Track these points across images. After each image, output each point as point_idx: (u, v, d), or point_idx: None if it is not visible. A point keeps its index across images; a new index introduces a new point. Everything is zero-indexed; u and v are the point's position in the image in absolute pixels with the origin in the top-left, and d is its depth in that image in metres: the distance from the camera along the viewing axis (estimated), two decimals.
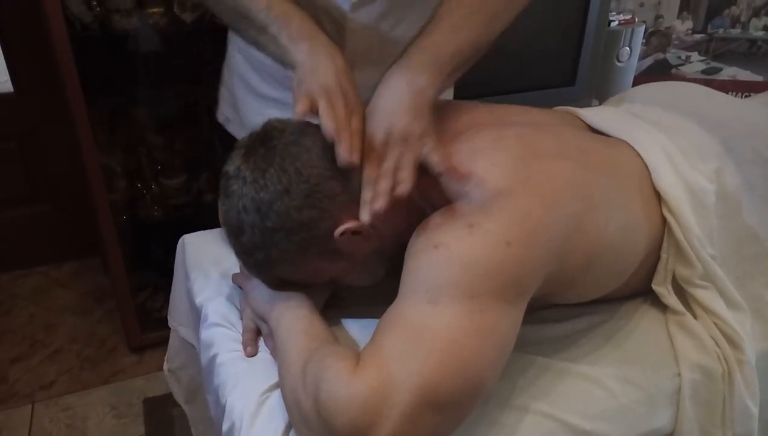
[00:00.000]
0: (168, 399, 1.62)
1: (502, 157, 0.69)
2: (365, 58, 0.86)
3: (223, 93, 1.12)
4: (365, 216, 0.65)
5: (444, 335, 0.58)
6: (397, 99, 0.69)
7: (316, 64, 0.70)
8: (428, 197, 0.71)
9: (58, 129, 1.99)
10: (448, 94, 1.05)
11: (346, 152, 0.64)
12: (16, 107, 1.98)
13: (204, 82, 1.87)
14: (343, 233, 0.67)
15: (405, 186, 0.64)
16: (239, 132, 1.08)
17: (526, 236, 0.62)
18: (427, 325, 0.58)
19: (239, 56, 1.00)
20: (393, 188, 0.65)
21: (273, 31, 0.74)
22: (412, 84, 0.70)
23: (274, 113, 0.95)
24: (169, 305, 1.08)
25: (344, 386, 0.56)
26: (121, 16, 1.48)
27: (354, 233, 0.68)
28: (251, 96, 1.00)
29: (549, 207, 0.65)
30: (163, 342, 1.72)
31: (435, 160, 0.67)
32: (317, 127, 0.69)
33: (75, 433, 1.54)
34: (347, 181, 0.67)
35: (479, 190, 0.66)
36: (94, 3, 1.48)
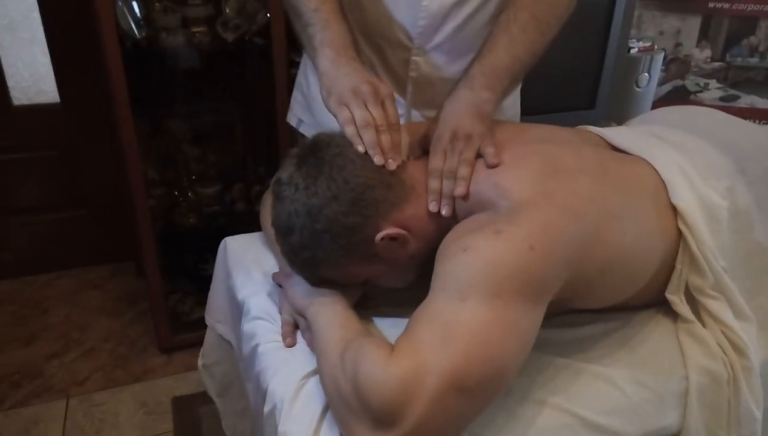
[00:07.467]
0: (195, 398, 1.68)
1: (526, 173, 0.76)
2: (430, 83, 0.96)
3: (297, 96, 1.19)
4: (433, 207, 0.78)
5: (472, 328, 0.64)
6: (463, 107, 0.83)
7: (339, 72, 0.80)
8: (455, 209, 0.79)
9: (98, 138, 2.08)
10: (515, 101, 1.15)
11: (379, 158, 0.75)
12: (60, 118, 2.08)
13: (239, 99, 1.96)
14: (383, 239, 0.74)
15: (462, 186, 0.77)
16: (312, 133, 1.15)
17: (548, 242, 0.68)
18: (456, 319, 0.64)
19: None
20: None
21: (311, 31, 0.84)
22: (475, 98, 0.83)
23: None
24: (207, 304, 1.14)
25: (381, 369, 0.63)
26: (168, 34, 1.57)
27: (392, 239, 0.75)
28: None
29: (569, 217, 0.72)
30: (191, 344, 1.79)
31: (491, 151, 0.79)
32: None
33: (107, 427, 1.61)
34: (389, 189, 0.75)
35: (505, 201, 0.73)
36: (143, 22, 1.58)
